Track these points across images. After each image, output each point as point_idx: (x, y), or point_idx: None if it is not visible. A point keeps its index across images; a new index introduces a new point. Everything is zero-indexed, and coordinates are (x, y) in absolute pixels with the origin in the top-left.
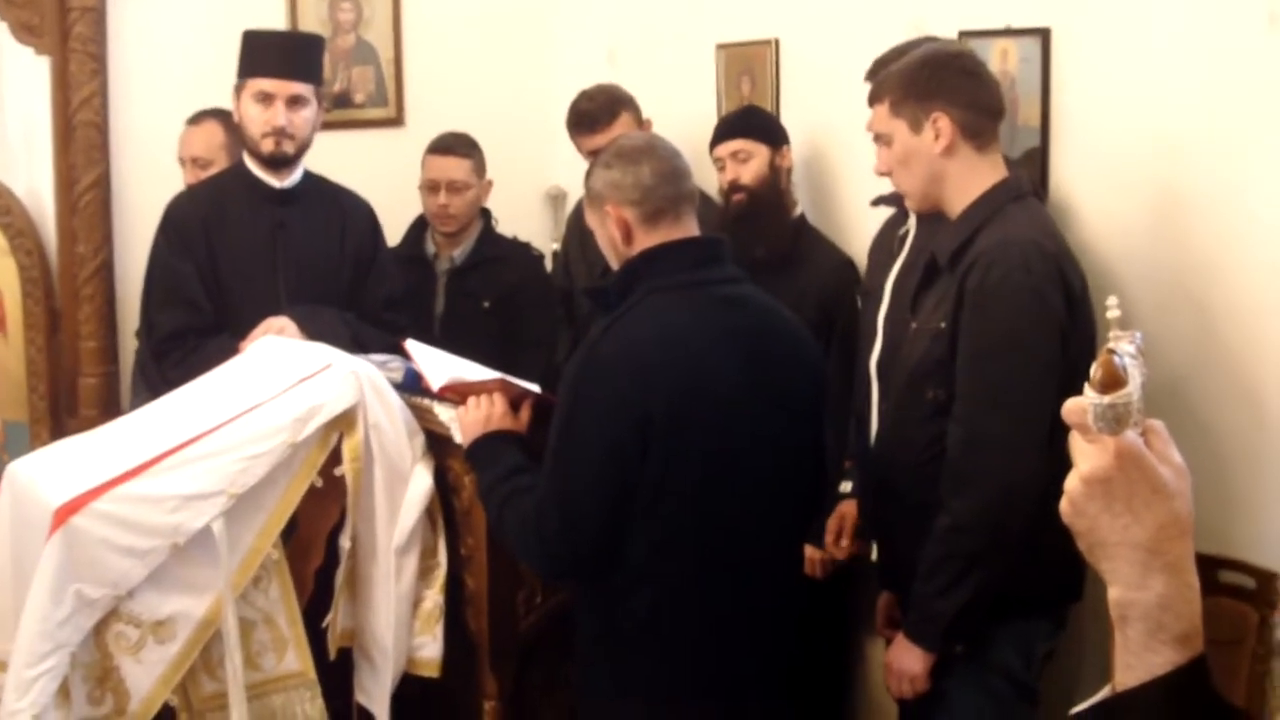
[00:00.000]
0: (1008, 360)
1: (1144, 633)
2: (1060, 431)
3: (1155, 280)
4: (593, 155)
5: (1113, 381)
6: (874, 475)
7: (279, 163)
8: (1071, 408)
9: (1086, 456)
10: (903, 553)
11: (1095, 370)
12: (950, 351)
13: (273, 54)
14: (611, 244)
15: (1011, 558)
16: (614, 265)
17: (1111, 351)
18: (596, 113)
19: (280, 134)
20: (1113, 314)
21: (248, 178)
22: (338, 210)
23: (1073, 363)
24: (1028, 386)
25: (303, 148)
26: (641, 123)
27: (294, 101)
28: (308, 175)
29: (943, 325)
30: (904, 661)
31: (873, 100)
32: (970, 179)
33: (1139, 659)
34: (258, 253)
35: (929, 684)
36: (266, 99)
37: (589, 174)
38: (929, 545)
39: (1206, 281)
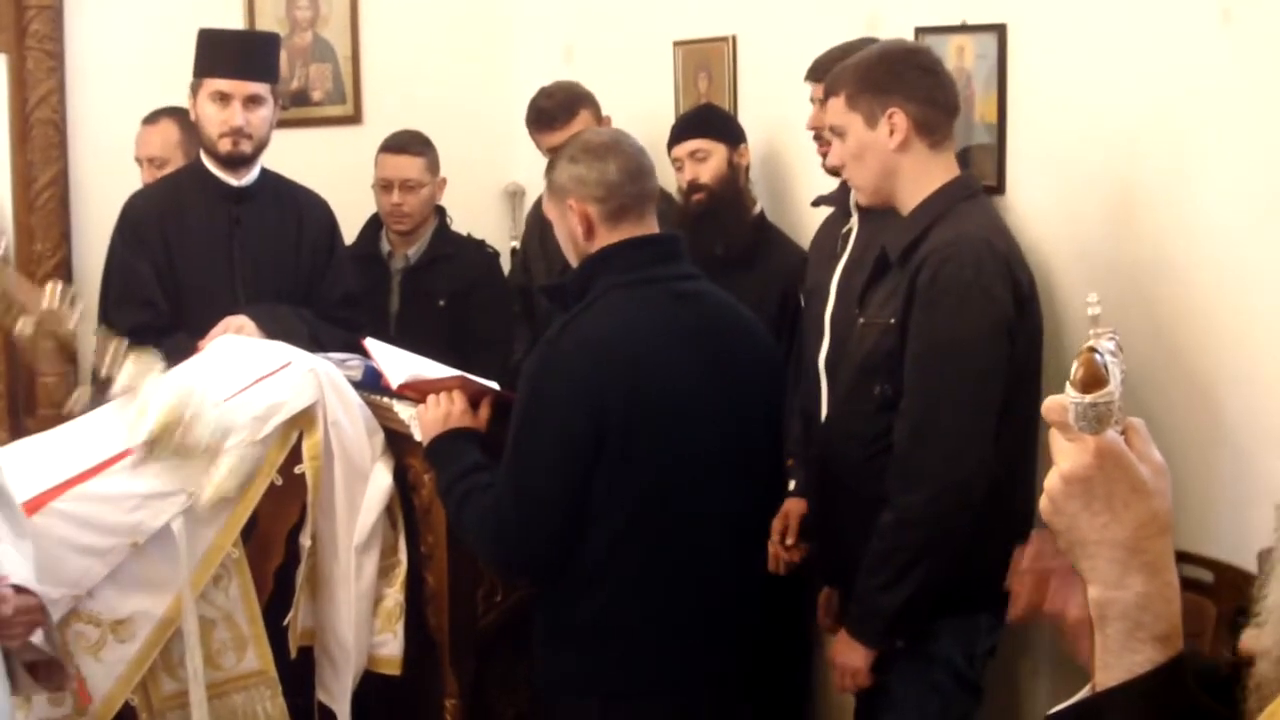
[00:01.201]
0: (956, 357)
1: (1123, 632)
2: (1006, 428)
3: (1108, 276)
4: (552, 152)
5: (1094, 380)
6: (820, 470)
7: (236, 162)
8: (1052, 406)
9: (1066, 455)
10: (847, 547)
11: (1076, 369)
12: (899, 346)
13: (229, 53)
14: (571, 238)
15: (955, 553)
16: (571, 259)
17: (1092, 350)
18: (556, 110)
19: (237, 134)
20: (1093, 311)
21: (204, 176)
22: (295, 208)
23: (1020, 361)
24: (975, 383)
25: (260, 147)
26: (601, 120)
27: (251, 101)
28: (264, 173)
29: (892, 320)
30: (846, 657)
31: (827, 93)
32: (923, 176)
33: (1118, 658)
34: (215, 251)
35: (872, 679)
36: (223, 99)
37: (552, 166)
38: (873, 540)
39: (1158, 278)
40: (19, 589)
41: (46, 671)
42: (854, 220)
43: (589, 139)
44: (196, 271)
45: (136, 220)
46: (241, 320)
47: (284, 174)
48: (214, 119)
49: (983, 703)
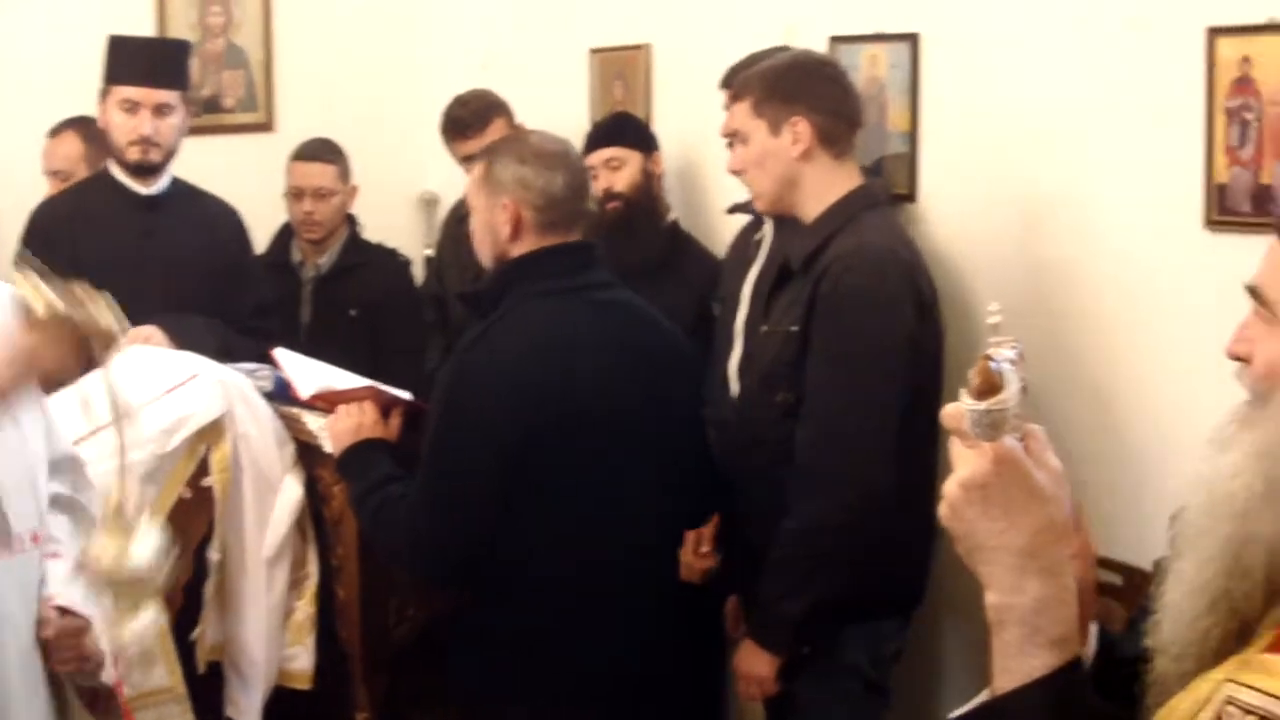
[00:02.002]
0: (858, 365)
1: (1021, 637)
2: (908, 435)
3: (1017, 284)
4: (466, 161)
5: (990, 388)
6: (729, 480)
7: (145, 171)
8: (949, 413)
9: (965, 462)
10: (752, 555)
11: (972, 376)
12: (801, 355)
13: (138, 61)
14: (492, 234)
15: (858, 559)
16: (483, 255)
17: (988, 358)
18: (470, 118)
19: (146, 143)
20: (993, 320)
21: (113, 185)
22: (205, 217)
23: (922, 369)
24: (876, 391)
25: (169, 155)
26: (515, 128)
27: (160, 109)
28: (175, 182)
29: (794, 328)
30: (751, 665)
31: (733, 99)
32: (825, 185)
33: (1016, 662)
34: (124, 260)
35: (779, 686)
36: (132, 107)
37: (495, 159)
38: (776, 547)
39: (1064, 287)
40: (64, 610)
41: (103, 702)
42: (767, 228)
43: (541, 144)
44: (106, 282)
45: (43, 231)
46: (150, 330)
47: (196, 182)
48: (123, 127)
49: (891, 706)
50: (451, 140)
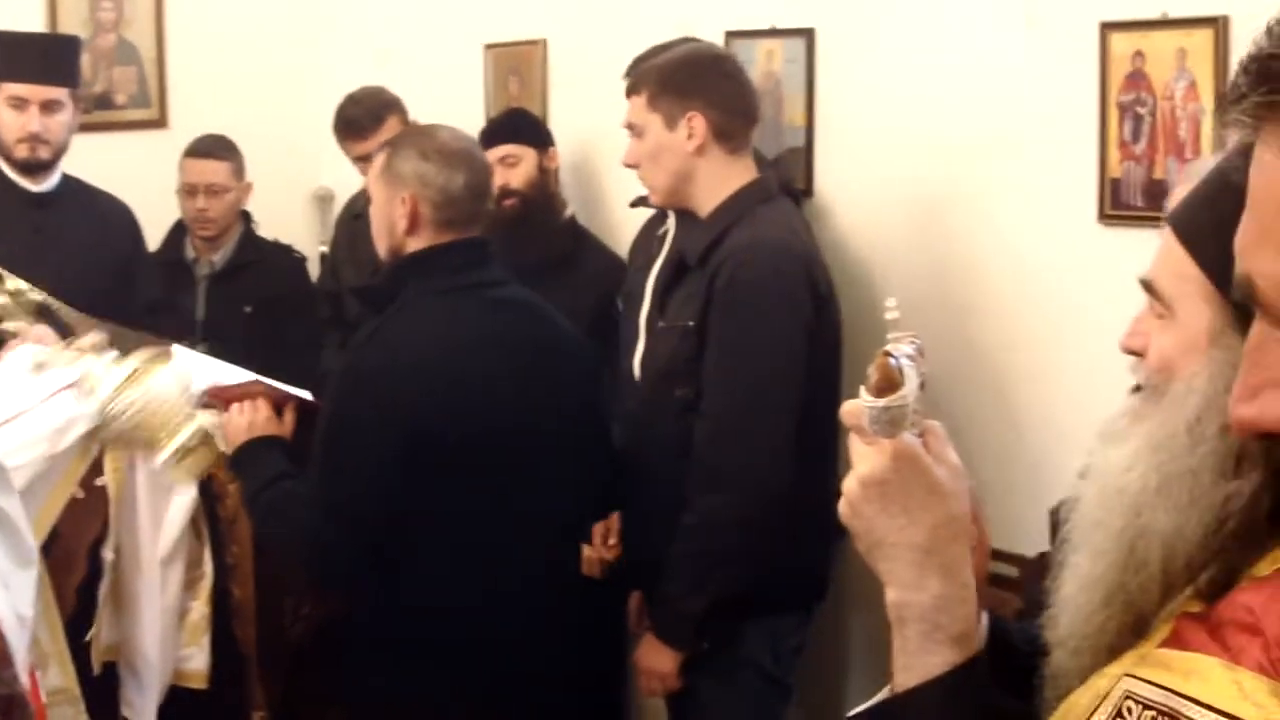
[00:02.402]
0: (755, 359)
1: (920, 634)
2: (806, 430)
3: (913, 279)
4: (360, 161)
5: (888, 384)
6: (624, 474)
7: (34, 168)
8: (848, 410)
9: (864, 458)
10: (652, 551)
11: (871, 373)
12: (699, 350)
13: (27, 57)
14: (389, 226)
15: (758, 554)
16: (380, 246)
17: (887, 354)
18: (363, 118)
19: (34, 139)
20: (891, 315)
21: (2, 182)
22: (97, 214)
23: (818, 363)
24: (774, 385)
25: (59, 152)
26: (408, 125)
27: (48, 106)
28: (66, 179)
29: (691, 324)
30: (653, 661)
31: (630, 92)
32: (720, 179)
33: (916, 659)
34: (16, 258)
35: (680, 682)
36: (20, 104)
37: (396, 152)
38: (676, 543)
39: (961, 281)
40: None
41: (18, 710)
42: (670, 222)
43: (446, 141)
44: None
45: None
46: (42, 330)
47: (87, 179)
48: (10, 124)
49: (793, 700)
50: (345, 140)
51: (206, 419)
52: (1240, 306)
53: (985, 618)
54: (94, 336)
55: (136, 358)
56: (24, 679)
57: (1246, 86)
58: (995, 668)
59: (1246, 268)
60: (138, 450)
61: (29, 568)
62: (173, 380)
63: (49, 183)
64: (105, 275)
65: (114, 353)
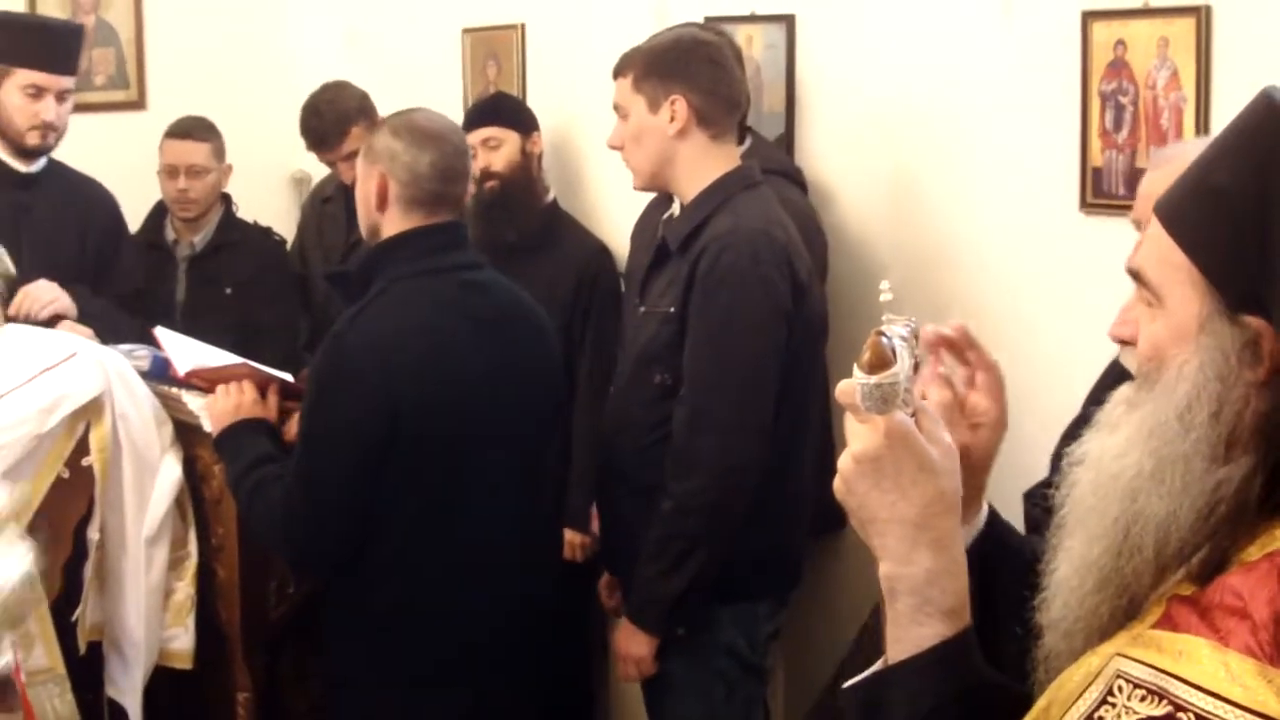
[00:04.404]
0: (733, 345)
1: (912, 607)
2: (782, 415)
3: (895, 264)
4: (332, 166)
5: (880, 362)
6: (601, 458)
7: (38, 154)
8: (842, 388)
9: (858, 436)
10: (627, 535)
11: (864, 351)
12: (678, 335)
13: (46, 45)
14: (366, 203)
15: (732, 540)
16: (363, 226)
17: (880, 333)
18: (325, 130)
19: (47, 128)
20: (885, 297)
21: None
22: (81, 198)
23: (796, 349)
24: (752, 371)
25: (60, 138)
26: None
27: (62, 95)
28: (50, 162)
29: (671, 309)
30: (629, 645)
31: (617, 73)
32: (701, 165)
33: (907, 632)
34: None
35: (656, 666)
36: (38, 93)
37: (377, 130)
38: (652, 528)
39: (940, 264)
40: None
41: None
42: (675, 206)
43: (419, 122)
44: None
45: None
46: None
47: (66, 160)
48: (24, 110)
49: (769, 685)
50: (311, 149)
51: (195, 401)
52: (1228, 293)
53: (986, 508)
54: None
55: None
56: (9, 658)
57: None
58: (986, 559)
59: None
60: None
61: (13, 544)
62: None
63: (37, 164)
64: (85, 258)
65: None
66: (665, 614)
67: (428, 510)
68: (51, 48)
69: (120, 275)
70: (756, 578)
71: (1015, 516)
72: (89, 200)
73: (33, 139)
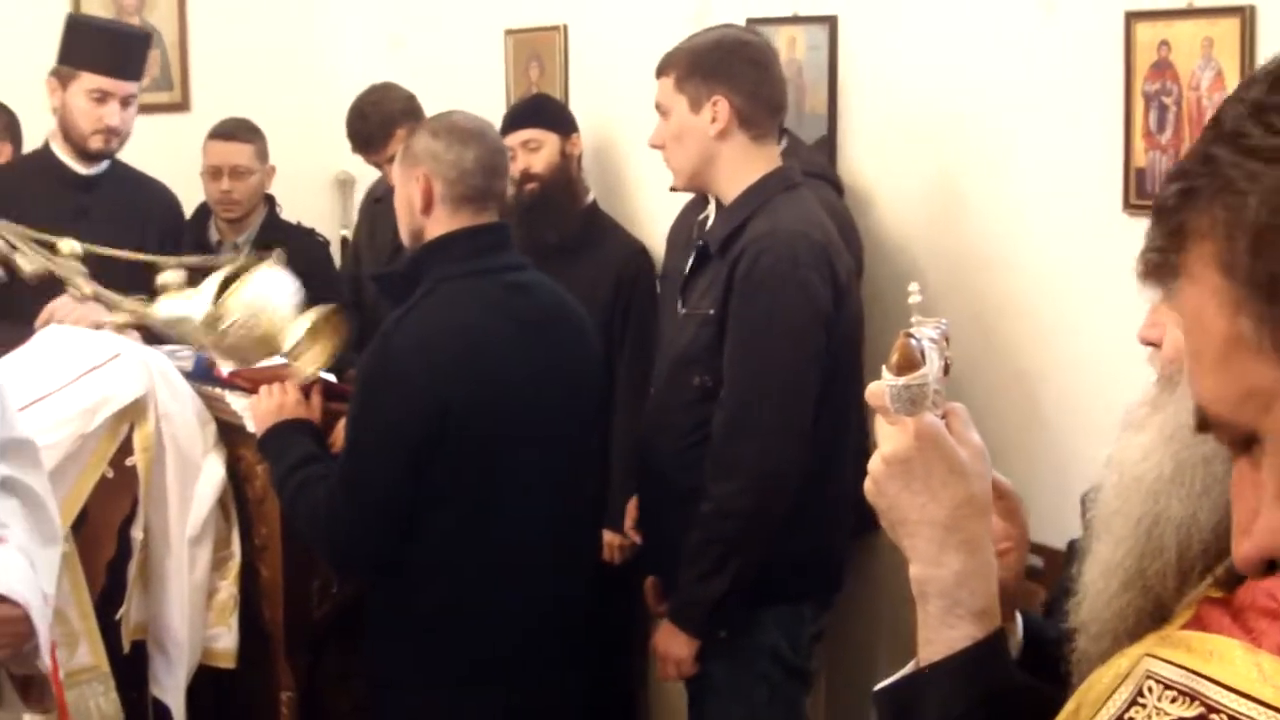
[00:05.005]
0: (772, 347)
1: (942, 609)
2: (824, 420)
3: (936, 267)
4: (378, 167)
5: (908, 364)
6: (640, 460)
7: (102, 157)
8: (872, 390)
9: (888, 438)
10: (668, 538)
11: (892, 353)
12: (718, 338)
13: (112, 50)
14: (409, 207)
15: (771, 543)
16: (403, 231)
17: (909, 334)
18: (370, 133)
19: (110, 133)
20: (914, 299)
21: (51, 163)
22: (141, 199)
23: (836, 352)
24: (791, 374)
25: (124, 142)
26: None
27: (126, 100)
28: (114, 164)
29: (711, 311)
30: (670, 646)
31: (660, 72)
32: (741, 166)
33: (938, 634)
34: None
35: (697, 667)
36: (103, 97)
37: (414, 135)
38: (692, 530)
39: (983, 266)
40: (2, 598)
41: (37, 690)
42: (711, 207)
43: (457, 121)
44: None
45: None
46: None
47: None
48: (89, 114)
49: (813, 688)
50: (356, 150)
51: (308, 318)
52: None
53: (1019, 616)
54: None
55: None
56: (46, 660)
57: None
58: (1031, 663)
59: (1194, 398)
60: (255, 356)
61: (53, 546)
62: (276, 281)
63: (99, 166)
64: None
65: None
66: (706, 616)
67: (471, 511)
68: (117, 53)
69: None
70: (798, 580)
71: (1065, 520)
72: (149, 202)
73: (96, 143)
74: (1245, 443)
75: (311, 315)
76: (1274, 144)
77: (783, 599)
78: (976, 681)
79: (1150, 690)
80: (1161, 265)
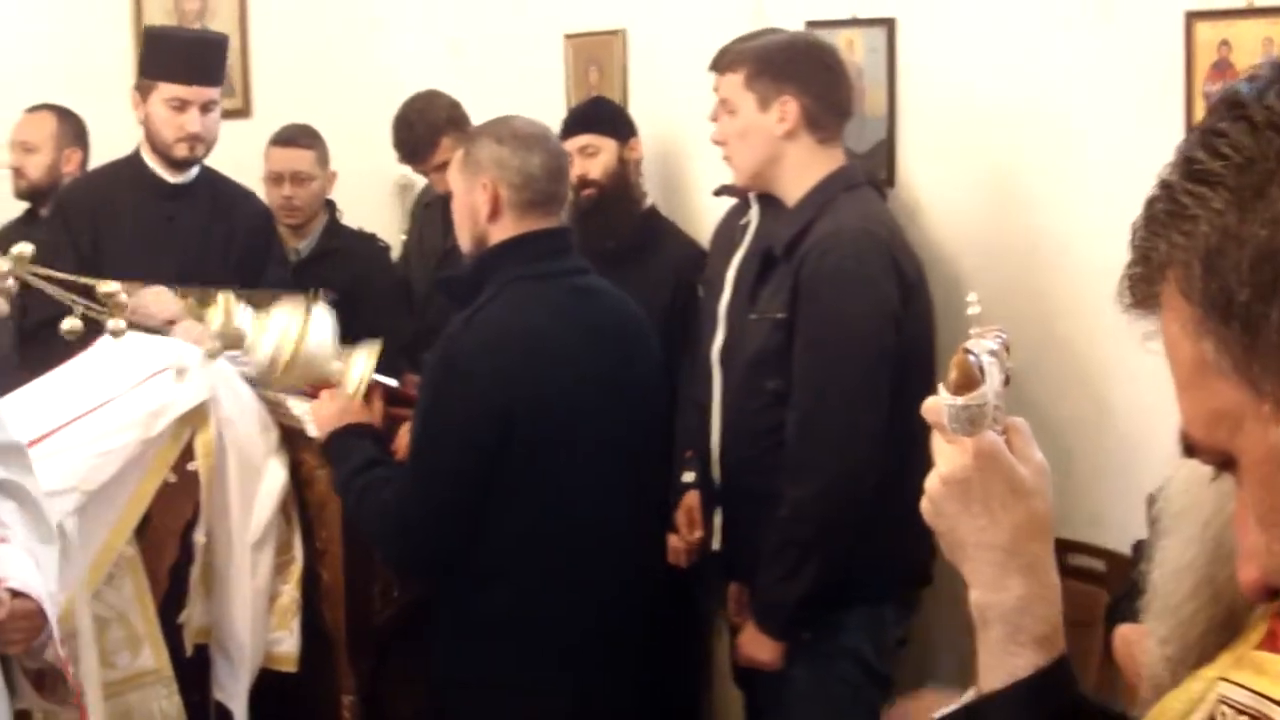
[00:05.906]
0: (841, 348)
1: (1003, 635)
2: (899, 418)
3: (998, 270)
4: (425, 175)
5: (967, 382)
6: (719, 466)
7: (188, 165)
8: (928, 408)
9: (945, 457)
10: (748, 542)
11: (950, 371)
12: (788, 341)
13: (185, 58)
14: (472, 216)
15: (847, 544)
16: (463, 238)
17: (967, 350)
18: (415, 143)
19: (194, 140)
20: (972, 310)
21: (142, 171)
22: (229, 207)
23: (908, 349)
24: (860, 374)
25: (211, 148)
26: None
27: (206, 106)
28: (204, 170)
29: (780, 315)
30: (755, 650)
31: (726, 69)
32: (806, 167)
33: (1000, 661)
34: (146, 247)
35: (781, 669)
36: (182, 105)
37: (473, 142)
38: (770, 534)
39: (1047, 272)
40: (16, 593)
41: (50, 682)
42: (753, 211)
43: (519, 126)
44: (125, 268)
45: (64, 211)
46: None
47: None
48: (170, 123)
49: (892, 693)
50: (403, 161)
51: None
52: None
53: None
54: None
55: (280, 311)
56: (60, 651)
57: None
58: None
59: (1181, 426)
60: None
61: (50, 545)
62: (323, 327)
63: (188, 175)
64: (228, 269)
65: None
66: (788, 619)
67: (536, 513)
68: (191, 61)
69: (271, 280)
70: (878, 582)
71: (1130, 524)
72: (236, 211)
73: (180, 150)
74: (1226, 465)
75: (366, 358)
76: (1217, 168)
77: (863, 601)
78: (1040, 709)
79: (1223, 715)
80: (1148, 297)
